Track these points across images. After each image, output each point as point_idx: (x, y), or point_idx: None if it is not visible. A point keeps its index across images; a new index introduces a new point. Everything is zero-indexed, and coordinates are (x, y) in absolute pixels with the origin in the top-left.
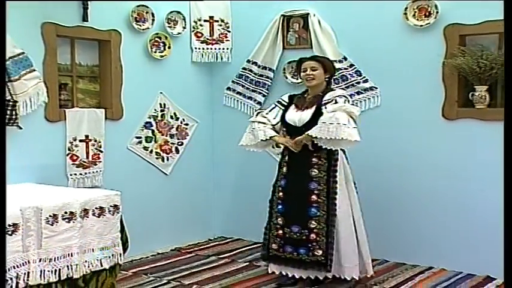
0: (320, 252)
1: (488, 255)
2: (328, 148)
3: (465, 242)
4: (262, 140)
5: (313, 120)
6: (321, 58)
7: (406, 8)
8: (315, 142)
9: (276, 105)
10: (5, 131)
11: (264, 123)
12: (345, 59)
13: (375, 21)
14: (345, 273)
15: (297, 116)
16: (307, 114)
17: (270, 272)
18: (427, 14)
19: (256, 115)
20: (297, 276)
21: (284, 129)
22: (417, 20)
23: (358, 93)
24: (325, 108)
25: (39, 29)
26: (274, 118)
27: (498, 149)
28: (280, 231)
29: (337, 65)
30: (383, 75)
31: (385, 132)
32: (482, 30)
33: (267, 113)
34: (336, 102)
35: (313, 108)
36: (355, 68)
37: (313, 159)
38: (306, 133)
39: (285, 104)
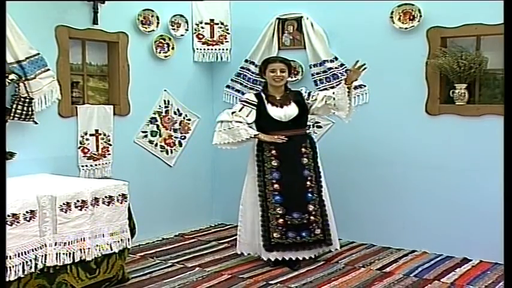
0: (319, 231)
1: (465, 239)
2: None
3: (445, 228)
4: (246, 138)
5: (302, 114)
6: (288, 61)
7: (392, 12)
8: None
9: (245, 105)
10: (5, 132)
11: (240, 122)
12: (336, 58)
13: (363, 23)
14: (332, 245)
15: (281, 112)
16: (292, 109)
17: (265, 259)
18: (412, 17)
19: (232, 113)
20: (300, 258)
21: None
22: (402, 23)
23: None
24: (317, 94)
25: (53, 31)
26: (247, 116)
27: (475, 142)
28: (281, 220)
29: (329, 65)
30: (371, 74)
31: (373, 126)
32: (461, 33)
33: (239, 111)
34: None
35: (293, 104)
36: (345, 67)
37: (303, 149)
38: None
39: (255, 103)
